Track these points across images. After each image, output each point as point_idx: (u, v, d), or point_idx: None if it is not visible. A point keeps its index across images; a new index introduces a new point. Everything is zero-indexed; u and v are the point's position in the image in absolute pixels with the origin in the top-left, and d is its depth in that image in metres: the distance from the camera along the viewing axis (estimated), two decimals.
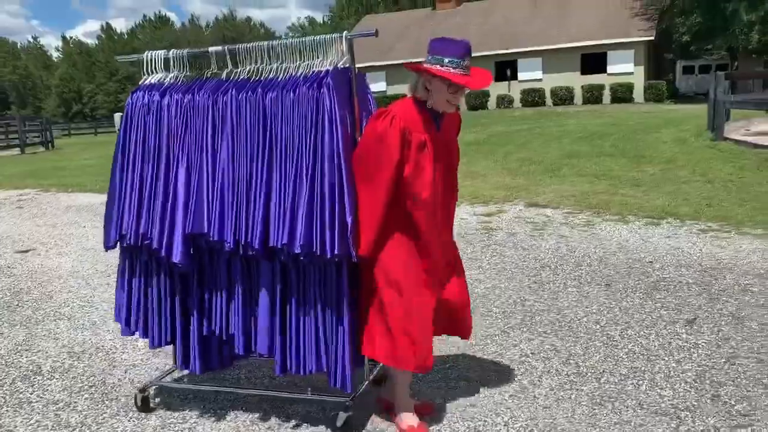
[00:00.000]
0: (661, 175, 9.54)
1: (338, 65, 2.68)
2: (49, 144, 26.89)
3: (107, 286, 5.38)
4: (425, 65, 2.58)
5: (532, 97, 32.57)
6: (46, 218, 9.07)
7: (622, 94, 30.74)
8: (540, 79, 33.25)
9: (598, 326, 3.87)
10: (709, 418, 2.77)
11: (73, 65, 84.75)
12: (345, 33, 2.71)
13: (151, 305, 2.98)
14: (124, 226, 2.90)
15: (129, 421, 3.07)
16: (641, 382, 3.14)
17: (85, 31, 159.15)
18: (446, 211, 2.79)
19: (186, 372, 3.25)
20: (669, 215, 6.79)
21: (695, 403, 2.91)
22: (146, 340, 3.11)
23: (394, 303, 2.61)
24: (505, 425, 2.81)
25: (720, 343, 3.54)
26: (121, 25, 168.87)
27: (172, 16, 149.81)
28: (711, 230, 6.09)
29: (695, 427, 2.71)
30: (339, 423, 2.76)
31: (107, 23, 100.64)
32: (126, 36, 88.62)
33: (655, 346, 3.54)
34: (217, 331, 2.84)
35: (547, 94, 32.57)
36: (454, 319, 2.86)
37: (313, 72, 2.68)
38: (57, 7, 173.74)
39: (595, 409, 2.91)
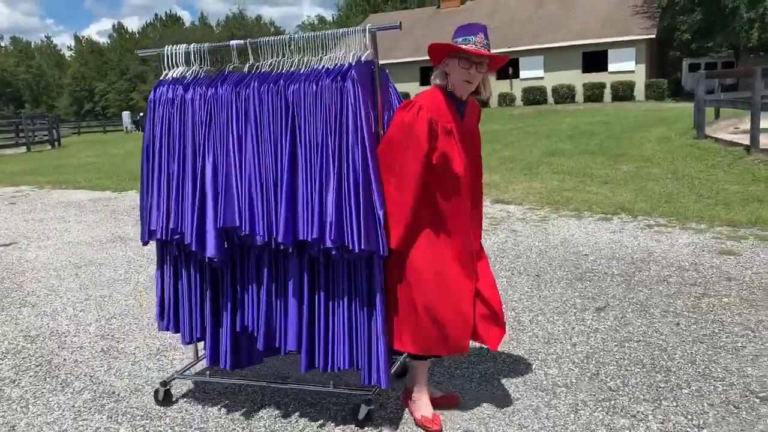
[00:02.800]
0: (634, 173, 9.75)
1: (361, 58, 2.66)
2: (56, 142, 27.40)
3: (75, 277, 5.70)
4: (437, 42, 2.61)
5: (534, 96, 32.76)
6: (35, 214, 9.43)
7: (623, 92, 30.86)
8: (542, 78, 33.40)
9: (513, 312, 4.13)
10: (581, 394, 3.03)
11: (85, 64, 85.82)
12: (368, 26, 2.68)
13: (182, 300, 2.99)
14: (153, 221, 2.91)
15: (63, 395, 3.37)
16: (533, 362, 3.40)
17: (99, 30, 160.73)
18: (475, 199, 2.78)
19: (205, 365, 3.24)
20: (624, 211, 7.02)
21: (574, 381, 3.17)
22: (172, 333, 3.16)
23: (422, 294, 2.61)
24: (397, 399, 3.08)
25: (619, 328, 3.79)
26: (134, 23, 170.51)
27: (186, 14, 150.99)
28: (657, 225, 6.32)
29: (565, 401, 2.97)
30: (361, 416, 2.77)
31: (119, 22, 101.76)
32: (137, 35, 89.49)
33: (558, 331, 3.80)
34: (250, 327, 2.85)
35: (549, 93, 32.74)
36: (484, 321, 2.77)
37: (336, 65, 2.66)
38: (71, 5, 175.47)
39: (481, 385, 3.18)
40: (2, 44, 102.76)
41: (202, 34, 76.58)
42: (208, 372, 3.27)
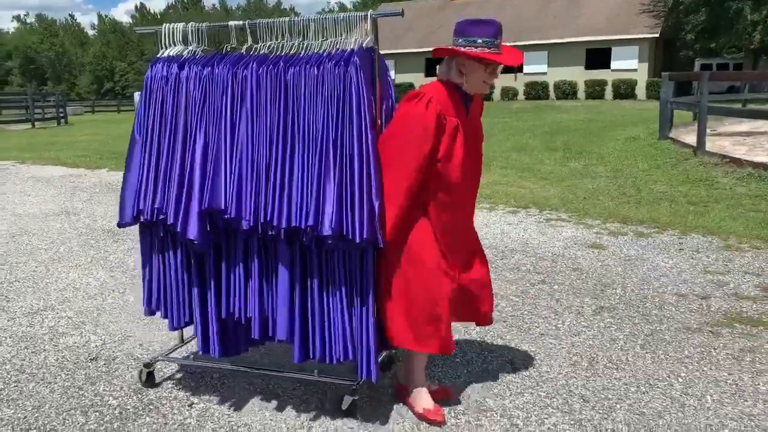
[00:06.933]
0: (579, 170, 10.06)
1: (363, 45, 2.64)
2: (62, 120, 28.15)
3: (4, 245, 6.21)
4: (459, 48, 2.55)
5: (536, 91, 32.90)
6: (3, 187, 9.98)
7: (624, 90, 30.90)
8: (545, 73, 33.51)
9: None
10: None
11: (107, 44, 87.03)
12: (370, 12, 2.68)
13: (169, 284, 2.95)
14: (141, 201, 2.86)
15: None
16: None
17: (127, 9, 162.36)
18: (472, 196, 2.81)
19: (194, 349, 3.27)
20: (535, 205, 7.38)
21: None
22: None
23: (418, 287, 2.63)
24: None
25: None
26: (160, 4, 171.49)
27: None
28: (556, 219, 6.67)
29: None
30: (344, 406, 2.78)
31: (141, 3, 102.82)
32: (159, 17, 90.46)
33: None
34: (236, 315, 2.82)
35: (551, 88, 32.84)
36: (473, 303, 2.85)
37: (337, 50, 2.64)
38: None
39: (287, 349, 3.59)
40: (28, 21, 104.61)
41: (220, 18, 77.21)
42: (191, 356, 3.26)
